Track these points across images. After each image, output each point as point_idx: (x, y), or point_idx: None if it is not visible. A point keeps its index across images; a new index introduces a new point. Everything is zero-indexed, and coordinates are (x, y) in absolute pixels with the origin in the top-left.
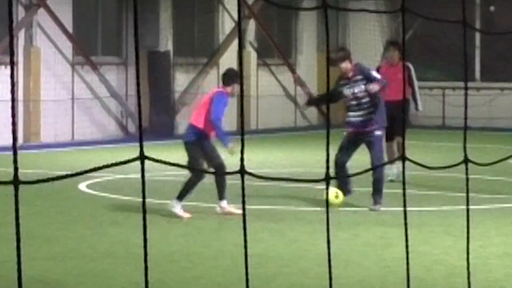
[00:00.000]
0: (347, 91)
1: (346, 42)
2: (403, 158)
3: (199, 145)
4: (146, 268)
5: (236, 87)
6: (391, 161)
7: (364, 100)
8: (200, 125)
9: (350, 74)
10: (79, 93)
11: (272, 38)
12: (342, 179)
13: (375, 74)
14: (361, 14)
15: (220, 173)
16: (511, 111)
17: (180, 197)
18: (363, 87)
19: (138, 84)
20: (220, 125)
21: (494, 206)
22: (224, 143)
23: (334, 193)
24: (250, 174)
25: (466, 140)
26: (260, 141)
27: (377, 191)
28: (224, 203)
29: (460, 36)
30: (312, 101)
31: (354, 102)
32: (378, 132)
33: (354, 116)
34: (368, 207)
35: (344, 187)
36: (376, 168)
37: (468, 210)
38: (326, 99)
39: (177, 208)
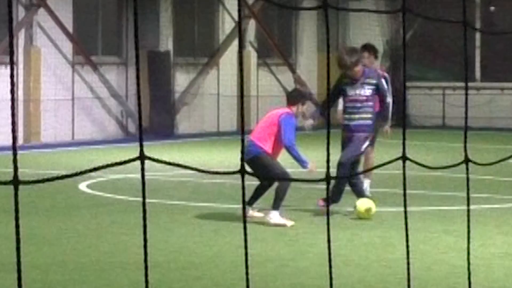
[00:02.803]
0: (351, 92)
1: (346, 42)
2: (403, 158)
3: (263, 156)
4: (146, 268)
5: (300, 108)
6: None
7: (363, 104)
8: (267, 148)
9: (358, 76)
10: (79, 93)
11: (272, 38)
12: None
13: (385, 84)
14: (361, 14)
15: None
16: (511, 111)
17: (276, 206)
18: (368, 91)
19: (138, 84)
20: (295, 150)
21: (494, 206)
22: (302, 165)
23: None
24: (251, 174)
25: (466, 140)
26: None
27: (332, 191)
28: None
29: (460, 36)
30: (320, 114)
31: (353, 104)
32: (361, 134)
33: (350, 120)
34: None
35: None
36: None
37: (468, 210)
38: (329, 102)
39: (277, 218)
